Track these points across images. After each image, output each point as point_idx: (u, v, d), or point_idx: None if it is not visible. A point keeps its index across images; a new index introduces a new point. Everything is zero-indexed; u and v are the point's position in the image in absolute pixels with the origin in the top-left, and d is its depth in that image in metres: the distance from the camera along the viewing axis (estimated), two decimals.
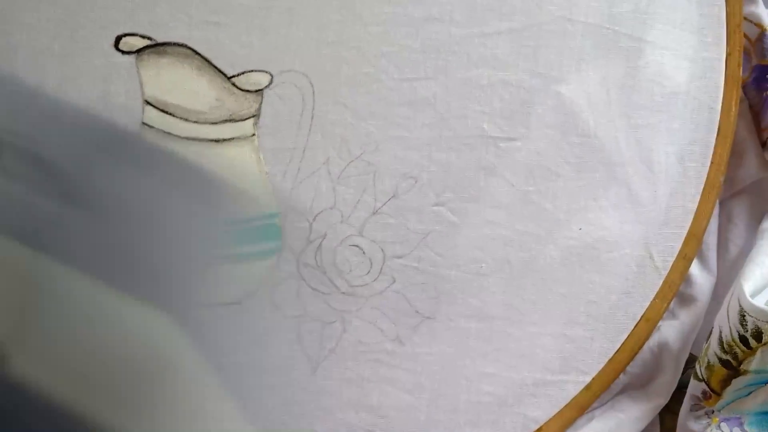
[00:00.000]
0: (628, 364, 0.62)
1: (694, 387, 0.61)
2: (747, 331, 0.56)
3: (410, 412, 0.59)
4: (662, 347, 0.62)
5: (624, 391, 0.63)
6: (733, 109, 0.60)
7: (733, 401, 0.59)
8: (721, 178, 0.61)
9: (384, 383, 0.58)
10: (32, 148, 0.43)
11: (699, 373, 0.60)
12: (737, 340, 0.57)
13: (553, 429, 0.60)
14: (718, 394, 0.59)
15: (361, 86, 0.55)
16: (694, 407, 0.61)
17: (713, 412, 0.60)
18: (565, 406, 0.61)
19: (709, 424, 0.60)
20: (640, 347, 0.62)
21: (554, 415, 0.60)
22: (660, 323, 0.62)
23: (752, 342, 0.57)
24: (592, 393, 0.61)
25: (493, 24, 0.55)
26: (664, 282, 0.61)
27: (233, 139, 0.54)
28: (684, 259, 0.61)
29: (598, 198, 0.59)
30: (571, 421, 0.61)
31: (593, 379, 0.61)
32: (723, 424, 0.59)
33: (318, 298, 0.56)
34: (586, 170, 0.58)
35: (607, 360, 0.61)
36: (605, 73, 0.57)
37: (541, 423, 0.60)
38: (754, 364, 0.57)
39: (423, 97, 0.55)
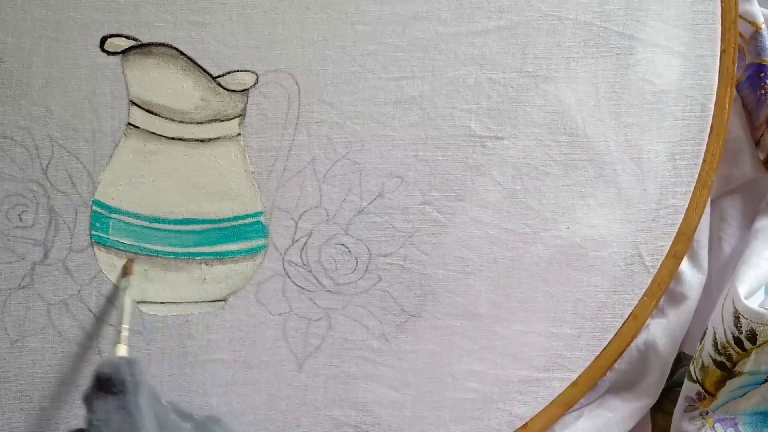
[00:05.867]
0: (614, 361, 0.62)
1: (688, 388, 0.61)
2: (741, 333, 0.56)
3: (396, 408, 0.59)
4: (649, 345, 0.62)
5: (612, 389, 0.63)
6: (727, 107, 0.59)
7: (727, 402, 0.59)
8: (713, 176, 0.60)
9: (369, 380, 0.59)
10: None
11: (693, 375, 0.60)
12: (732, 342, 0.57)
13: (538, 425, 0.61)
14: (713, 395, 0.59)
15: (347, 85, 0.55)
16: (689, 408, 0.61)
17: (707, 413, 0.60)
18: (551, 402, 0.61)
19: (704, 425, 0.60)
20: (627, 345, 0.62)
21: (539, 412, 0.61)
22: (648, 321, 0.62)
23: (747, 344, 0.56)
24: (578, 390, 0.61)
25: (481, 22, 0.55)
26: (653, 280, 0.61)
27: (219, 138, 0.54)
28: (674, 257, 0.61)
29: (585, 197, 0.58)
30: (557, 418, 0.61)
31: (579, 376, 0.61)
32: (717, 425, 0.59)
33: (303, 296, 0.57)
34: (573, 169, 0.58)
35: (593, 357, 0.61)
36: (595, 71, 0.57)
37: (527, 419, 0.61)
38: (748, 365, 0.57)
39: (410, 96, 0.55)
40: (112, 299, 0.55)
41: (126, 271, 0.55)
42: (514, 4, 0.55)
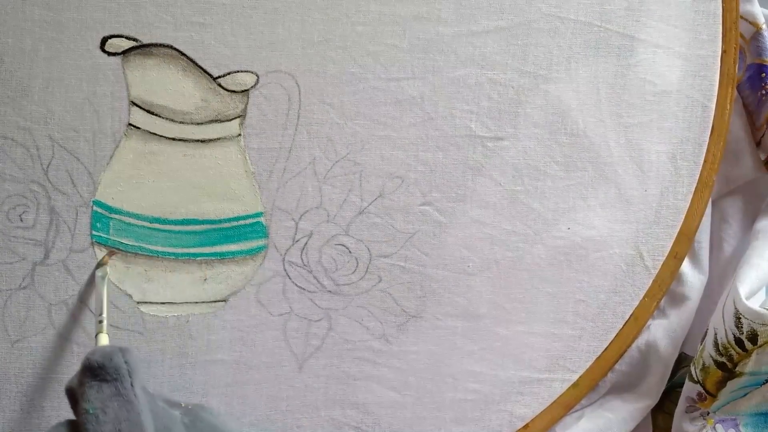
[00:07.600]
0: (615, 362, 0.62)
1: (689, 389, 0.61)
2: (742, 333, 0.56)
3: (396, 409, 0.59)
4: (650, 346, 0.62)
5: (613, 390, 0.63)
6: (728, 108, 0.59)
7: (728, 403, 0.59)
8: (714, 177, 0.60)
9: (370, 381, 0.59)
10: None
11: (694, 375, 0.60)
12: (732, 343, 0.57)
13: (539, 426, 0.61)
14: (714, 396, 0.59)
15: (348, 86, 0.55)
16: (689, 409, 0.61)
17: (708, 413, 0.60)
18: (552, 404, 0.61)
19: (705, 426, 0.60)
20: (628, 346, 0.62)
21: (540, 413, 0.61)
22: (649, 322, 0.62)
23: (747, 344, 0.56)
24: (579, 391, 0.61)
25: (481, 22, 0.55)
26: (654, 281, 0.61)
27: (219, 139, 0.54)
28: (675, 258, 0.61)
29: (586, 197, 0.58)
30: (558, 419, 0.61)
31: (580, 377, 0.61)
32: (718, 426, 0.59)
33: (304, 296, 0.57)
34: (574, 169, 0.58)
35: (594, 358, 0.61)
36: (595, 71, 0.57)
37: (527, 420, 0.61)
38: (749, 366, 0.57)
39: (410, 97, 0.55)
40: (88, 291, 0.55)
41: (102, 262, 0.54)
42: (515, 5, 0.55)
